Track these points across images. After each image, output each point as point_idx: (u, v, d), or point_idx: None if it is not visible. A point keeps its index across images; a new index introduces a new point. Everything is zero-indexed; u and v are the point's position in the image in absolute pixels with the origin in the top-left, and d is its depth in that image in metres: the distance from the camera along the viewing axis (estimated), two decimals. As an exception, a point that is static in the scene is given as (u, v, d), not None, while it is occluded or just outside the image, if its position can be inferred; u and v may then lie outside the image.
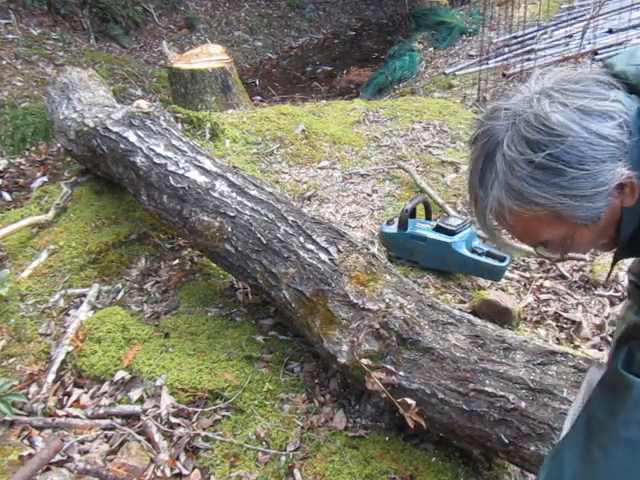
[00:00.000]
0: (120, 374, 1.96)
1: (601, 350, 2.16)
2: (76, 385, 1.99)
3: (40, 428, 1.83)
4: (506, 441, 1.39)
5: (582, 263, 2.61)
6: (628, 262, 1.59)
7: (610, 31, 5.42)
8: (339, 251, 1.85)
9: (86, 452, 1.74)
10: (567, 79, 0.93)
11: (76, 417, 1.86)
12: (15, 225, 2.62)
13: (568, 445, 0.95)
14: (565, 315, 2.36)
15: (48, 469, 1.66)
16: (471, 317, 1.68)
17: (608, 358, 1.72)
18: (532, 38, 5.96)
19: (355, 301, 1.71)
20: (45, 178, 3.28)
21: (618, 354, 0.96)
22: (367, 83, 7.09)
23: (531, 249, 1.05)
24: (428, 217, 2.64)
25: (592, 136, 0.87)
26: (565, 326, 2.32)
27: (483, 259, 2.35)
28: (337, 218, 2.94)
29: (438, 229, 2.44)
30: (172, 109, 3.52)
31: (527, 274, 2.61)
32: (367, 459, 1.66)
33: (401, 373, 1.57)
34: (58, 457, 1.69)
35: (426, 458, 1.66)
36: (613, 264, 1.12)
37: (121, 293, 2.39)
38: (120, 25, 8.16)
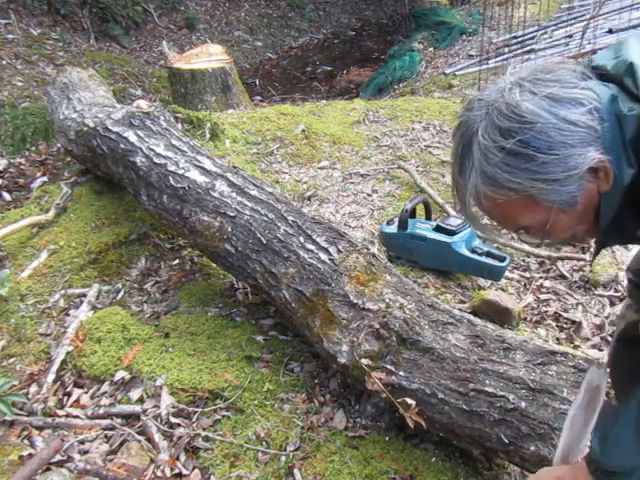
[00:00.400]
0: (120, 374, 1.96)
1: (601, 350, 2.16)
2: (76, 385, 1.99)
3: (40, 428, 1.83)
4: (506, 441, 1.39)
5: (582, 263, 2.61)
6: (627, 261, 1.59)
7: (610, 31, 5.41)
8: (339, 251, 1.85)
9: (86, 452, 1.74)
10: (540, 70, 0.97)
11: (76, 417, 1.86)
12: (15, 225, 2.62)
13: (623, 424, 0.98)
14: (565, 315, 2.36)
15: (48, 469, 1.66)
16: (471, 317, 1.67)
17: (608, 358, 1.72)
18: (532, 38, 5.96)
19: (355, 301, 1.71)
20: (45, 178, 3.28)
21: None
22: (367, 83, 7.09)
23: (514, 235, 1.09)
24: (428, 217, 2.64)
25: (561, 122, 0.90)
26: (565, 326, 2.32)
27: (483, 259, 2.35)
28: (337, 218, 2.94)
29: (438, 229, 2.44)
30: (172, 109, 3.51)
31: (527, 274, 2.61)
32: (367, 459, 1.66)
33: (401, 373, 1.57)
34: (58, 457, 1.69)
35: (426, 458, 1.66)
36: (597, 250, 1.15)
37: (121, 293, 2.39)
38: (120, 25, 8.16)
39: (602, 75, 1.00)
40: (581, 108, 0.92)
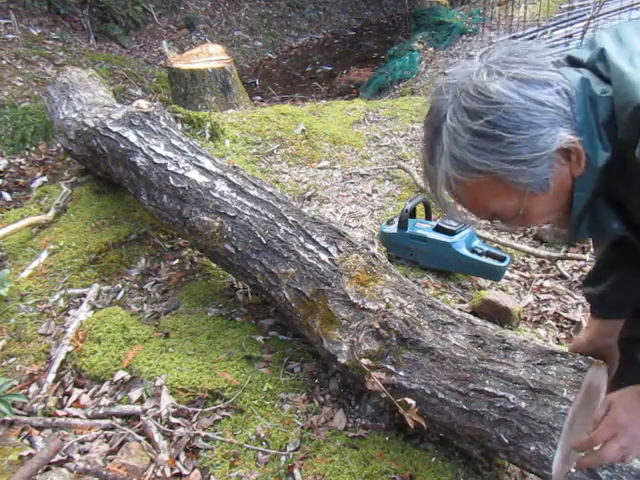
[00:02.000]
0: (120, 374, 1.96)
1: (601, 350, 2.16)
2: (76, 385, 1.99)
3: (40, 428, 1.83)
4: (506, 441, 1.39)
5: (582, 263, 2.61)
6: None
7: (610, 31, 5.40)
8: (339, 251, 1.85)
9: (86, 452, 1.73)
10: (509, 52, 0.96)
11: (76, 417, 1.86)
12: (15, 225, 2.62)
13: None
14: (565, 315, 2.36)
15: (48, 469, 1.66)
16: (471, 317, 1.67)
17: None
18: (532, 38, 5.95)
19: (355, 301, 1.71)
20: (45, 178, 3.28)
21: None
22: (367, 83, 7.09)
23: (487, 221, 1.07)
24: (428, 217, 2.64)
25: (529, 102, 0.90)
26: (565, 326, 2.32)
27: (483, 259, 2.35)
28: (337, 218, 2.94)
29: (438, 229, 2.44)
30: (172, 109, 3.52)
31: (527, 274, 2.61)
32: (367, 459, 1.66)
33: (401, 373, 1.57)
34: (58, 457, 1.69)
35: (426, 458, 1.66)
36: (569, 240, 1.12)
37: (121, 293, 2.39)
38: (120, 25, 8.16)
39: (575, 63, 1.01)
40: (549, 88, 0.91)
